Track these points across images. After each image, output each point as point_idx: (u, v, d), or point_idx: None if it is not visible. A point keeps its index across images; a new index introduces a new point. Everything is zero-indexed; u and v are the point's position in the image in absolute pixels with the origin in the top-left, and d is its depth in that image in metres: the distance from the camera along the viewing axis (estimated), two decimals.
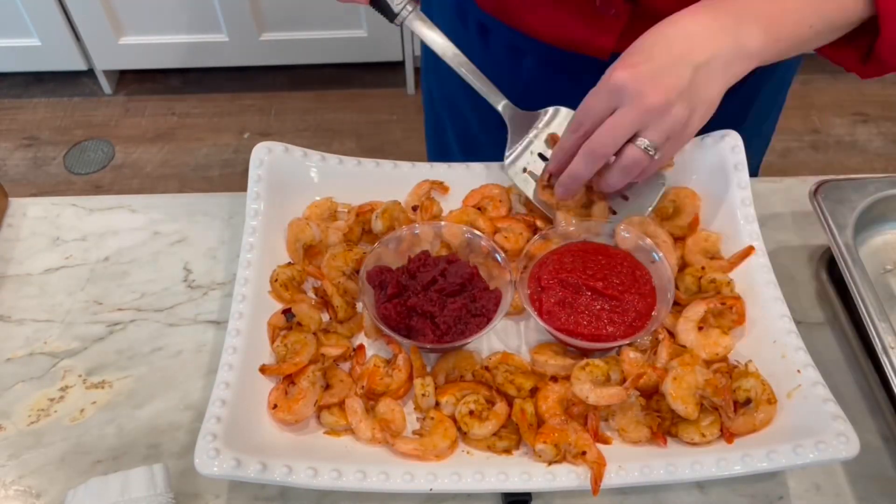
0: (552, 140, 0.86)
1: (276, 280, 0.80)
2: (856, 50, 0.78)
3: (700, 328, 0.77)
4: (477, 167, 0.91)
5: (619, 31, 0.85)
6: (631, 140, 0.73)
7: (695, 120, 0.73)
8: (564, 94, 0.85)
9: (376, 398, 0.74)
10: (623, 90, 0.71)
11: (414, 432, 0.72)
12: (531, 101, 0.88)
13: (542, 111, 0.87)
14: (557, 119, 0.87)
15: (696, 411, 0.70)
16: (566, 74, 0.93)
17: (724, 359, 0.75)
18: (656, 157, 0.74)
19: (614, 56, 0.76)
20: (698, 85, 0.72)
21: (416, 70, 2.56)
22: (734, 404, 0.71)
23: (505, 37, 0.96)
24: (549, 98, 0.88)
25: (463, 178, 0.90)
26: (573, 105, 0.78)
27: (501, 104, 0.87)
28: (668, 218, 0.86)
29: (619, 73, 0.72)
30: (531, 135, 0.87)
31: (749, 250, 0.81)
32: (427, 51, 1.08)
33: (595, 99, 0.74)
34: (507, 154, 0.87)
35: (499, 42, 0.98)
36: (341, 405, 0.73)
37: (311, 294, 0.82)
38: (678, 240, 0.84)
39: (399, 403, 0.74)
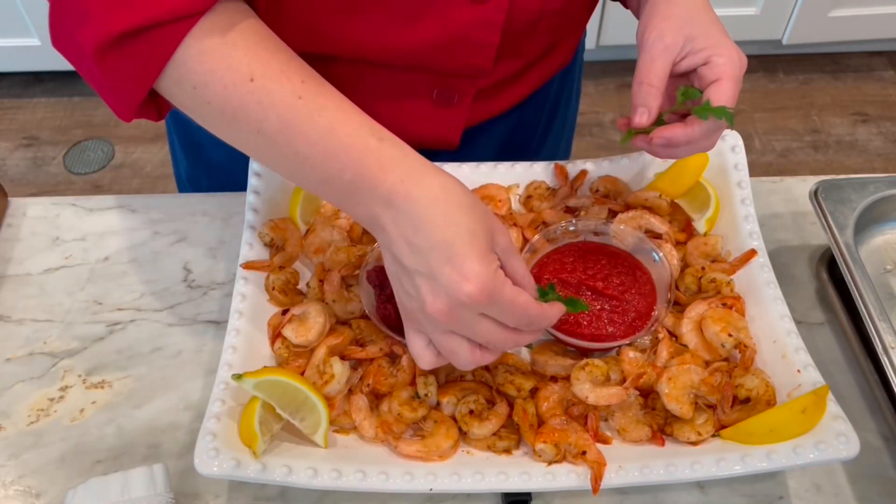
0: None
1: (273, 288, 0.80)
2: None
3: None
4: (480, 167, 0.90)
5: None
6: None
7: None
8: None
9: (380, 397, 0.74)
10: None
11: (415, 433, 0.72)
12: None
13: None
14: None
15: (691, 411, 0.70)
16: None
17: (726, 358, 0.75)
18: None
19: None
20: None
21: None
22: (733, 399, 0.71)
23: None
24: None
25: (463, 178, 0.89)
26: None
27: None
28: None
29: None
30: None
31: (751, 254, 0.81)
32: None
33: None
34: None
35: None
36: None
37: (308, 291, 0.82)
38: (679, 243, 0.84)
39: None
